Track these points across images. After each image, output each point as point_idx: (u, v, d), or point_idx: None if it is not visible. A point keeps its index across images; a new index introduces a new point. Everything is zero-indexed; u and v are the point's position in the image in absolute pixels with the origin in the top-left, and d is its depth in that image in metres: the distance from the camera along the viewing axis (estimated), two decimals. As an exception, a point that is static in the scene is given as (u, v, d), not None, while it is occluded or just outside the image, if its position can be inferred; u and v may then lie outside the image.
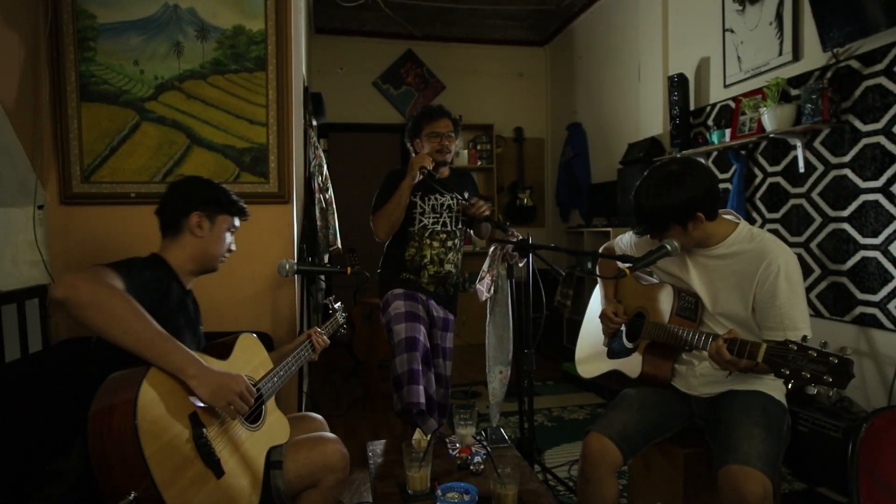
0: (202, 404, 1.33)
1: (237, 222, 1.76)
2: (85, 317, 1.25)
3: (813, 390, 1.35)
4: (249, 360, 1.60)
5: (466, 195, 2.51)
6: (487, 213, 2.48)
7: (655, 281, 1.99)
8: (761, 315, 1.64)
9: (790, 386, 1.35)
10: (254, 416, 1.51)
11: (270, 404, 1.61)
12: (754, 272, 1.64)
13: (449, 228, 2.58)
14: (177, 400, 1.28)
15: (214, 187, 1.71)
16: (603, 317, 2.02)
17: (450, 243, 2.59)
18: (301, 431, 1.73)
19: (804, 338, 1.35)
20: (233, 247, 1.74)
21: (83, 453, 1.53)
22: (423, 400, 2.26)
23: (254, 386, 1.50)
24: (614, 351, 2.00)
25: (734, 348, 1.45)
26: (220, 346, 1.57)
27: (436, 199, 2.55)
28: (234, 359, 1.52)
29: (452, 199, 2.57)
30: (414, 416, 2.27)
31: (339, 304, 2.18)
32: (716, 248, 1.72)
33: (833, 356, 1.27)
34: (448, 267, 2.59)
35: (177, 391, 1.30)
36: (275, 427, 1.59)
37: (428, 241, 2.54)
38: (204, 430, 1.29)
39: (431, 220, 2.54)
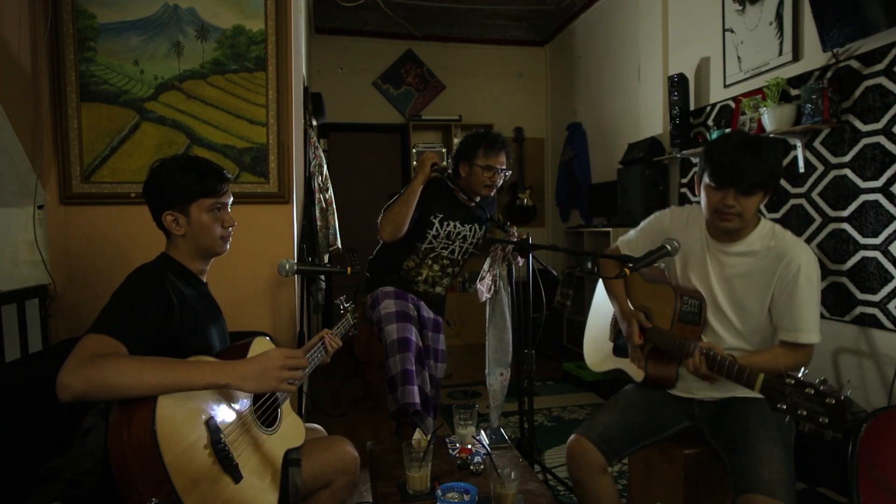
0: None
1: (223, 199, 1.57)
2: (102, 398, 1.21)
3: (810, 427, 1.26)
4: None
5: (508, 225, 2.45)
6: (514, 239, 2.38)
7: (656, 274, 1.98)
8: (777, 314, 1.64)
9: (788, 420, 1.31)
10: (270, 420, 1.50)
11: (285, 407, 1.59)
12: (774, 270, 1.64)
13: (455, 257, 2.53)
14: (194, 406, 1.28)
15: (172, 178, 1.52)
16: (628, 317, 1.89)
17: (449, 270, 2.55)
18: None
19: (804, 373, 1.31)
20: (229, 223, 1.58)
21: (101, 453, 1.49)
22: (418, 400, 2.25)
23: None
24: (620, 348, 2.00)
25: (714, 366, 1.44)
26: (236, 349, 1.54)
27: (454, 226, 2.46)
28: None
29: (471, 230, 2.51)
30: (410, 416, 2.26)
31: (350, 303, 2.04)
32: (737, 244, 1.71)
33: (830, 396, 1.22)
34: (438, 290, 2.55)
35: (194, 398, 1.28)
36: (291, 430, 1.57)
37: (429, 263, 2.49)
38: (222, 435, 1.28)
39: (441, 245, 2.47)
